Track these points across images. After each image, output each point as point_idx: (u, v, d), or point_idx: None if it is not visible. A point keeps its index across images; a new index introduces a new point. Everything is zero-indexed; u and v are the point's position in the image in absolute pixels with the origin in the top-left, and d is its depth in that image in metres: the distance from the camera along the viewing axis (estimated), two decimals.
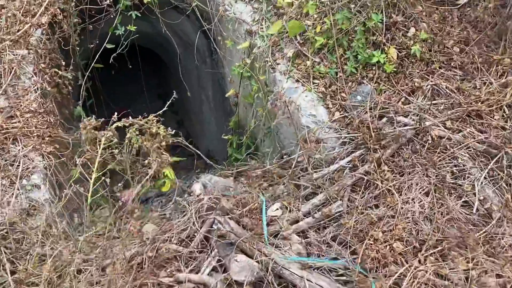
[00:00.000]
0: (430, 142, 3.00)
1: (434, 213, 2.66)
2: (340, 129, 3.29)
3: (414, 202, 2.72)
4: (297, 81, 3.66)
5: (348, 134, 3.20)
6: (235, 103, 4.58)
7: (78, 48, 4.43)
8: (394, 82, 3.44)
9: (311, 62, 3.68)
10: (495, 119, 3.14)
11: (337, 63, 3.65)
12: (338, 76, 3.60)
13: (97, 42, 4.55)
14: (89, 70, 4.44)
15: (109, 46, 4.32)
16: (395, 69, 3.48)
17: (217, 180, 3.87)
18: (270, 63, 3.81)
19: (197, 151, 3.85)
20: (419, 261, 2.47)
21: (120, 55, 4.53)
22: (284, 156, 3.54)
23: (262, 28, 4.04)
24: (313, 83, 3.61)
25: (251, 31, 4.06)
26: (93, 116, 2.98)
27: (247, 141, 4.48)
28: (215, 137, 6.69)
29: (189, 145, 3.60)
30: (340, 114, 3.40)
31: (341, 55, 3.61)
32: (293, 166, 3.36)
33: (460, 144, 3.01)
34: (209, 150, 7.35)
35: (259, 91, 3.98)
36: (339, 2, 3.62)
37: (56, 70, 3.96)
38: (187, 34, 5.96)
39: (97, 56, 4.37)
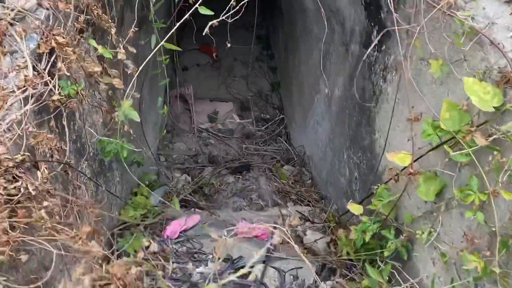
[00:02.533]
0: None
1: None
2: None
3: None
4: None
5: None
6: (397, 178, 2.45)
7: None
8: None
9: None
10: None
11: None
12: None
13: None
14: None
15: (205, 11, 2.26)
16: None
17: None
18: None
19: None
20: None
21: None
22: None
23: None
24: None
25: (508, 74, 1.80)
26: None
27: (398, 247, 2.44)
28: (320, 146, 4.63)
29: None
30: None
31: None
32: None
33: None
34: (304, 153, 5.34)
35: (463, 207, 1.84)
36: None
37: (95, 45, 2.01)
38: None
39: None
